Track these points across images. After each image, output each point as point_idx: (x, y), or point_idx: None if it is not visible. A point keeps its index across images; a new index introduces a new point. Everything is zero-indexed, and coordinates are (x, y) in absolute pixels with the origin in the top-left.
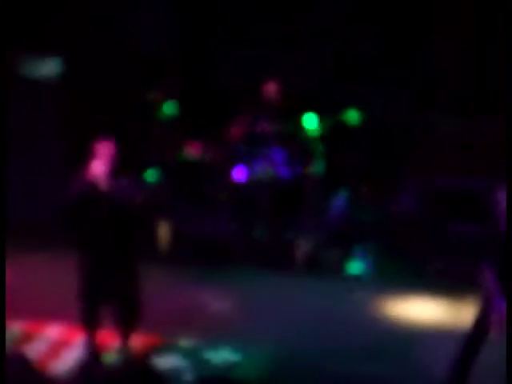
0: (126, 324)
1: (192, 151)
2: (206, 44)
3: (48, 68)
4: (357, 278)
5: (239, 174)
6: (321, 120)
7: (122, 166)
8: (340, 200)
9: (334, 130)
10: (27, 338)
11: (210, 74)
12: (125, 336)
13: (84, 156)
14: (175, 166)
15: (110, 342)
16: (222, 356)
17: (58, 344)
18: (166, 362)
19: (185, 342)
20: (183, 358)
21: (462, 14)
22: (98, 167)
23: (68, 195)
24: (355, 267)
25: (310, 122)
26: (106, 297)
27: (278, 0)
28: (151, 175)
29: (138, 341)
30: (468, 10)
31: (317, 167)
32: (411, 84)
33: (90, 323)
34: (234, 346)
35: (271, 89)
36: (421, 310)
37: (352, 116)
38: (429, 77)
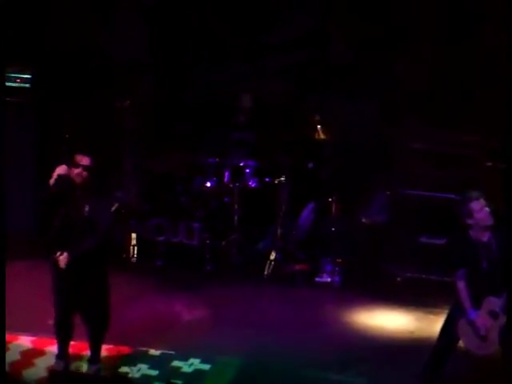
0: (96, 334)
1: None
2: (179, 56)
3: (23, 79)
4: (325, 288)
5: (210, 185)
6: (290, 132)
7: (98, 178)
8: (308, 211)
9: (303, 142)
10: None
11: (182, 86)
12: (95, 346)
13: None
14: (148, 176)
15: (82, 352)
16: (191, 365)
17: (31, 353)
18: (136, 370)
19: (155, 351)
20: (153, 366)
21: (430, 31)
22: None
23: (45, 188)
24: (324, 277)
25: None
26: (76, 308)
27: (248, 14)
28: (125, 186)
29: (108, 350)
30: (436, 27)
31: (286, 179)
32: (381, 98)
33: (61, 333)
34: (203, 355)
35: (242, 101)
36: (390, 319)
37: (322, 129)
38: (398, 92)
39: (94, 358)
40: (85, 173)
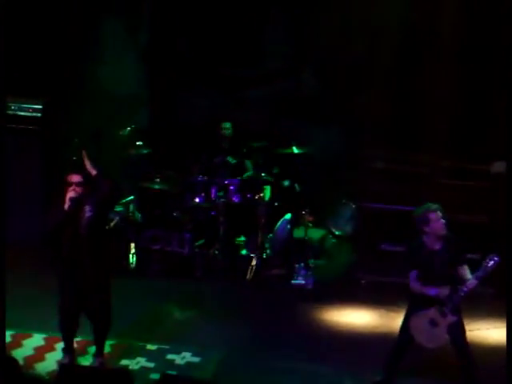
0: (100, 331)
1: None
2: (170, 89)
3: (34, 109)
4: (300, 290)
5: (199, 200)
6: (268, 153)
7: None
8: (285, 222)
9: (280, 162)
10: (16, 344)
11: (172, 114)
12: (99, 341)
13: (61, 186)
14: (145, 194)
15: (87, 348)
16: (183, 358)
17: (43, 349)
18: (135, 363)
19: (151, 346)
20: (150, 360)
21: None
22: (70, 196)
23: (47, 222)
24: (299, 280)
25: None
26: (81, 307)
27: (229, 51)
28: (124, 203)
29: (111, 345)
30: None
31: (265, 194)
32: (347, 123)
33: (66, 330)
34: (194, 350)
35: (224, 127)
36: (356, 316)
37: (296, 150)
38: (363, 118)
39: (99, 352)
40: (77, 188)
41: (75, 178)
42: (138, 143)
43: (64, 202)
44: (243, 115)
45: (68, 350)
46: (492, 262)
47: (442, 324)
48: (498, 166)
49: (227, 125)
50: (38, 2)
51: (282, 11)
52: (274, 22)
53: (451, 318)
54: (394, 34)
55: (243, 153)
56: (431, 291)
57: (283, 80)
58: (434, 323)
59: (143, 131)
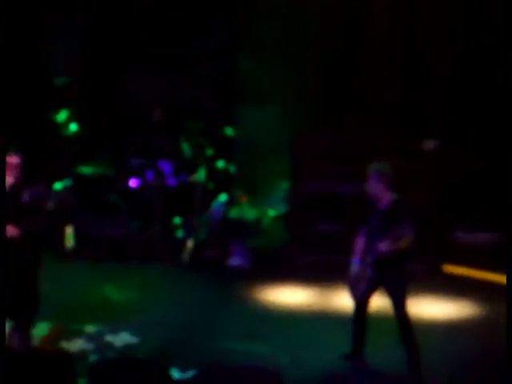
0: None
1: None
2: (106, 68)
3: None
4: (236, 271)
5: (135, 183)
6: (202, 134)
7: (35, 177)
8: (220, 204)
9: (214, 142)
10: None
11: (109, 95)
12: (26, 325)
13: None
14: (81, 177)
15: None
16: (122, 339)
17: None
18: (73, 345)
19: (89, 328)
20: (88, 341)
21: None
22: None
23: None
24: (235, 261)
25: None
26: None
27: (168, 28)
28: (60, 185)
29: (49, 328)
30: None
31: (199, 176)
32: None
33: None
34: (132, 331)
35: (159, 110)
36: (292, 296)
37: (229, 131)
38: (301, 96)
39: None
40: (15, 170)
41: (14, 159)
42: (72, 126)
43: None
44: (179, 96)
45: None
46: (404, 231)
47: (363, 277)
48: (429, 144)
49: (157, 111)
50: None
51: None
52: (211, 5)
53: (368, 272)
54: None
55: (179, 134)
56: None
57: (219, 61)
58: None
59: (78, 114)
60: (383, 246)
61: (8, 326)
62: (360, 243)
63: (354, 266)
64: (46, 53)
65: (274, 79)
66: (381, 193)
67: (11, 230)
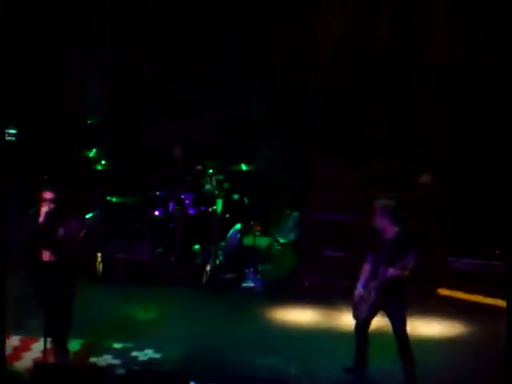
0: (62, 333)
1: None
2: (132, 111)
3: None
4: (250, 292)
5: (159, 213)
6: (220, 170)
7: (67, 208)
8: (236, 232)
9: (230, 177)
10: None
11: (135, 135)
12: (63, 340)
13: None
14: (109, 207)
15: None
16: (146, 354)
17: (20, 349)
18: (102, 360)
19: (117, 345)
20: (116, 357)
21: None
22: (43, 210)
23: (24, 233)
24: (249, 283)
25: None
26: (49, 312)
27: (183, 77)
28: (91, 215)
29: (80, 344)
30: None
31: (217, 207)
32: (292, 141)
33: (46, 332)
34: (155, 347)
35: (180, 147)
36: (301, 315)
37: (244, 167)
38: (307, 134)
39: (65, 351)
40: (51, 204)
41: (49, 195)
42: (102, 162)
43: (39, 216)
44: (198, 136)
45: (45, 350)
46: (410, 258)
47: (366, 301)
48: (425, 178)
49: (178, 147)
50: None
51: (232, 45)
52: (224, 54)
53: (373, 298)
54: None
55: (198, 170)
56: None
57: (233, 104)
58: (359, 297)
59: (107, 151)
60: (392, 272)
61: (47, 342)
62: (366, 269)
63: (359, 289)
64: (79, 92)
65: (281, 117)
66: (386, 226)
67: (47, 256)
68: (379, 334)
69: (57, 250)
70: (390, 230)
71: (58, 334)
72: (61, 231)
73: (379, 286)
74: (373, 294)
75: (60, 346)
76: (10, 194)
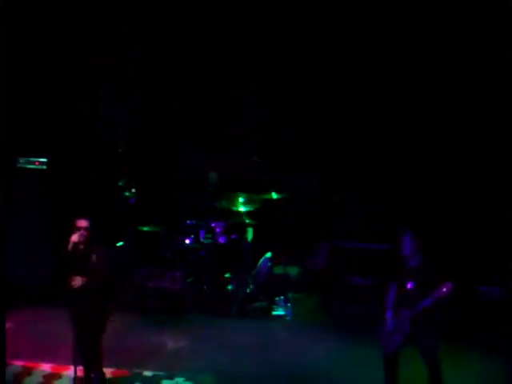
0: (93, 360)
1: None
2: (162, 141)
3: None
4: (281, 320)
5: (189, 241)
6: (250, 199)
7: (98, 237)
8: (266, 260)
9: (261, 206)
10: (27, 372)
11: (164, 166)
12: (98, 368)
13: (69, 228)
14: (140, 236)
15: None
16: (177, 383)
17: (51, 376)
18: None
19: (148, 373)
20: None
21: None
22: (73, 239)
23: (61, 257)
24: (279, 311)
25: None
26: (80, 339)
27: (216, 109)
28: (122, 244)
29: (111, 372)
30: None
31: (248, 235)
32: (321, 171)
33: (76, 360)
34: (186, 375)
35: (215, 174)
36: (329, 342)
37: (275, 195)
38: (336, 166)
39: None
40: (85, 232)
41: (83, 223)
42: (132, 191)
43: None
44: (228, 165)
45: (75, 377)
46: (445, 288)
47: (399, 332)
48: None
49: (213, 175)
50: (40, 67)
51: (260, 81)
52: (253, 90)
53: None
54: None
55: (229, 198)
56: (387, 313)
57: (263, 135)
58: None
59: (138, 180)
60: (428, 302)
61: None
62: (391, 298)
63: (389, 320)
64: (110, 125)
65: (312, 148)
66: (412, 253)
67: (79, 283)
68: (408, 364)
69: (89, 278)
70: (416, 258)
71: (88, 362)
72: (93, 259)
73: (413, 316)
74: (405, 324)
75: (90, 374)
76: (42, 224)
